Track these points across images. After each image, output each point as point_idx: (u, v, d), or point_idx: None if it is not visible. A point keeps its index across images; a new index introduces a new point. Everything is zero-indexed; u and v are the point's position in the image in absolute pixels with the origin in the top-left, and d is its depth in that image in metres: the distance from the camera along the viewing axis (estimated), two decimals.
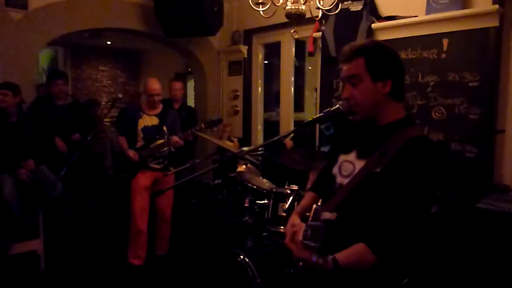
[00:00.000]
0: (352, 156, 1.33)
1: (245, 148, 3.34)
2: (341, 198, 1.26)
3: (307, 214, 1.43)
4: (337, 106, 1.30)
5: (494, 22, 2.68)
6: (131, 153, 3.29)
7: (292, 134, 4.04)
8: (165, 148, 3.37)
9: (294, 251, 1.17)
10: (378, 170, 1.20)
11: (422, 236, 1.21)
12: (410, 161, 1.17)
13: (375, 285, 1.25)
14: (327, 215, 1.16)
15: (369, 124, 1.33)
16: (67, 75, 4.07)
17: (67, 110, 3.78)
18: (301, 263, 1.34)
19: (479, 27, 2.74)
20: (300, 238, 1.10)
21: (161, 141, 3.35)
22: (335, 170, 1.38)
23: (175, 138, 3.26)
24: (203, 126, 3.28)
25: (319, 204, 1.33)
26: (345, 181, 1.30)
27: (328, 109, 1.32)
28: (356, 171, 1.27)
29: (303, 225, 1.15)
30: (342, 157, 1.37)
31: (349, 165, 1.32)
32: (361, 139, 1.36)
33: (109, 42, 7.38)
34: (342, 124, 3.27)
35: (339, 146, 1.44)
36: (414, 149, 1.19)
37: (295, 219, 1.44)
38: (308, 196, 1.55)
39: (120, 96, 4.22)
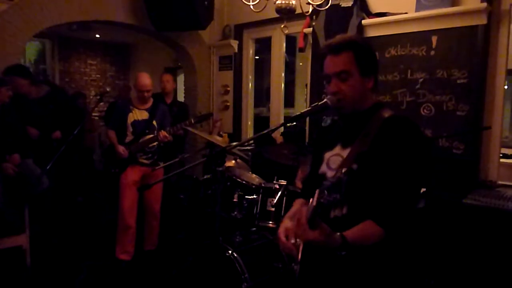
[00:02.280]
0: (337, 149, 1.37)
1: (234, 143, 3.33)
2: None
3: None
4: (325, 100, 1.31)
5: (482, 20, 2.71)
6: (121, 149, 3.26)
7: (282, 129, 4.05)
8: (154, 143, 3.35)
9: (300, 234, 1.13)
10: (366, 149, 1.24)
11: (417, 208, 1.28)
12: (392, 140, 1.23)
13: (375, 277, 1.26)
14: (345, 168, 1.11)
15: (347, 115, 1.37)
16: (20, 70, 3.54)
17: (40, 104, 3.64)
18: (299, 257, 1.31)
19: (468, 24, 2.77)
20: (314, 202, 1.06)
21: (151, 135, 3.32)
22: (323, 168, 1.40)
23: (163, 133, 3.23)
24: (193, 120, 3.26)
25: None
26: None
27: (316, 103, 1.32)
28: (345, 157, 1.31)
29: (313, 197, 1.10)
30: (327, 154, 1.40)
31: (337, 157, 1.35)
32: (341, 133, 1.40)
33: (98, 35, 7.28)
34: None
35: (321, 148, 1.46)
36: (392, 129, 1.26)
37: (288, 223, 1.40)
38: (298, 203, 1.56)
39: (108, 89, 4.14)
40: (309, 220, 1.08)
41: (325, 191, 1.06)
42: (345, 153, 1.31)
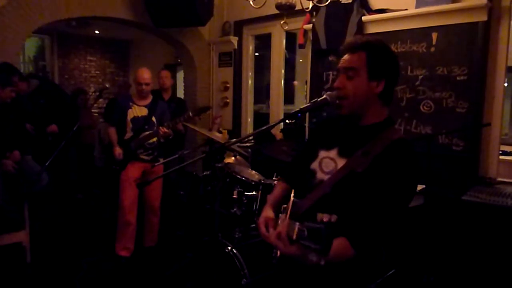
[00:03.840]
0: (333, 153, 1.34)
1: (233, 140, 3.32)
2: (322, 193, 1.29)
3: (284, 206, 1.43)
4: (324, 96, 1.30)
5: (482, 17, 2.70)
6: (117, 152, 3.26)
7: (282, 126, 4.05)
8: (154, 139, 3.35)
9: (280, 247, 1.13)
10: (360, 170, 1.24)
11: (397, 233, 1.27)
12: (392, 163, 1.22)
13: (347, 277, 1.29)
14: (326, 217, 1.08)
15: (351, 122, 1.35)
16: (9, 68, 3.34)
17: (31, 99, 3.62)
18: (278, 253, 1.33)
19: (468, 21, 2.76)
20: (294, 237, 1.04)
21: (150, 131, 3.32)
22: (314, 165, 1.38)
23: (163, 129, 3.22)
24: (191, 114, 3.25)
25: (293, 195, 1.33)
26: (326, 177, 1.31)
27: (316, 99, 1.32)
28: (338, 168, 1.30)
29: (290, 222, 1.09)
30: (322, 153, 1.38)
31: (330, 162, 1.33)
32: (343, 137, 1.37)
33: (97, 32, 7.26)
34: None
35: (318, 141, 1.44)
36: (396, 152, 1.24)
37: (268, 212, 1.43)
38: (279, 186, 1.55)
39: (107, 86, 4.13)
40: (296, 240, 1.04)
41: (305, 232, 1.01)
42: (341, 162, 1.30)
